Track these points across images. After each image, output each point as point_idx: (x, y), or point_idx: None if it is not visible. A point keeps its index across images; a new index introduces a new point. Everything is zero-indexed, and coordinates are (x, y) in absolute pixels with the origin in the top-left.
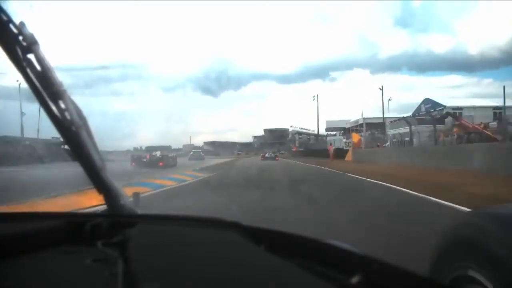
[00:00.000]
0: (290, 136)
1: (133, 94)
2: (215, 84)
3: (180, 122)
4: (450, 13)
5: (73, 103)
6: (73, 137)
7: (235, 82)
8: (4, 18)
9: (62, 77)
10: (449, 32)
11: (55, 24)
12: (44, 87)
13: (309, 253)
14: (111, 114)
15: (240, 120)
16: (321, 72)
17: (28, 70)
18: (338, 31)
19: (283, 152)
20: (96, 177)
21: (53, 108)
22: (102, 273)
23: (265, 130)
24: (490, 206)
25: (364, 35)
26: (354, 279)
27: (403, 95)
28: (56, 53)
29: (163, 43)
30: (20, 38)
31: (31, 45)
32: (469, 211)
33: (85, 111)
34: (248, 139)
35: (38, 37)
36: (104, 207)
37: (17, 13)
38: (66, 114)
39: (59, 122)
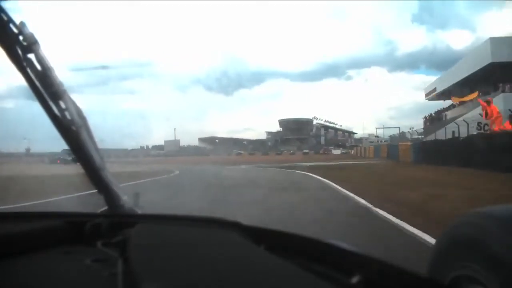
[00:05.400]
0: (314, 130)
1: (145, 93)
2: (228, 83)
3: (194, 121)
4: (469, 7)
5: (73, 103)
6: (73, 137)
7: (250, 81)
8: (4, 17)
9: (75, 76)
10: (468, 28)
11: (73, 24)
12: (45, 87)
13: (309, 253)
14: (123, 113)
15: (255, 119)
16: (337, 70)
17: (29, 70)
18: (354, 28)
19: (306, 151)
20: (96, 177)
21: (54, 108)
22: (102, 273)
23: (281, 122)
24: (491, 206)
25: (381, 32)
26: (354, 279)
27: (420, 94)
28: (70, 52)
29: (177, 41)
30: (21, 38)
31: (31, 44)
32: (469, 211)
33: (96, 110)
34: (263, 137)
35: (54, 36)
36: (104, 207)
37: (28, 11)
38: (67, 114)
39: (59, 122)
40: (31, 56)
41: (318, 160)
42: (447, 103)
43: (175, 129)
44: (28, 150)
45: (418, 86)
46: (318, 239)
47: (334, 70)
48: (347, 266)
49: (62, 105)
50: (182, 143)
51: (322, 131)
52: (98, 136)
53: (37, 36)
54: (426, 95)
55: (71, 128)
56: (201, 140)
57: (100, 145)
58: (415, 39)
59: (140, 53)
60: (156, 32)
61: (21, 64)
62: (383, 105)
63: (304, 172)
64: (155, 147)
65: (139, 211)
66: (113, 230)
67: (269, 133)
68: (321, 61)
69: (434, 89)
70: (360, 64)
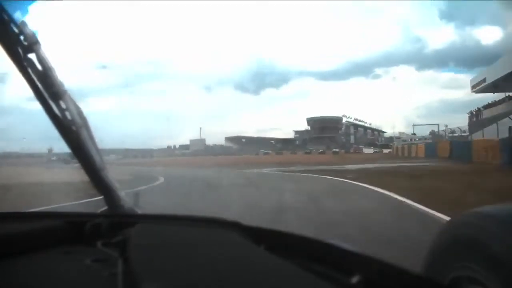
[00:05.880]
0: (343, 128)
1: (172, 93)
2: (255, 82)
3: (220, 120)
4: (499, 3)
5: (73, 103)
6: (74, 137)
7: (277, 80)
8: (5, 17)
9: (103, 77)
10: (499, 24)
11: (99, 23)
12: (45, 87)
13: (309, 253)
14: (150, 113)
15: (282, 118)
16: (364, 69)
17: (29, 70)
18: (382, 26)
19: (336, 150)
20: (96, 177)
21: (54, 108)
22: (102, 273)
23: (309, 120)
24: (490, 205)
25: (409, 29)
26: (354, 279)
27: (449, 92)
28: (94, 52)
29: (204, 41)
30: (21, 37)
31: (32, 44)
32: (468, 211)
33: (123, 111)
34: (290, 136)
35: (76, 36)
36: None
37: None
38: (67, 114)
39: (59, 122)
40: (32, 56)
41: (356, 161)
42: (497, 96)
43: (200, 128)
44: (50, 150)
45: (447, 84)
46: (318, 239)
47: (361, 69)
48: (347, 266)
49: (63, 105)
50: (208, 143)
51: (352, 130)
52: (125, 136)
53: (64, 36)
54: (473, 87)
55: (71, 128)
56: (228, 139)
57: (124, 145)
58: (444, 36)
59: (167, 53)
60: (183, 32)
61: (21, 64)
62: (411, 103)
63: (365, 185)
64: (182, 147)
65: (139, 211)
66: (113, 230)
67: (296, 132)
68: (348, 60)
69: (483, 80)
70: (388, 62)
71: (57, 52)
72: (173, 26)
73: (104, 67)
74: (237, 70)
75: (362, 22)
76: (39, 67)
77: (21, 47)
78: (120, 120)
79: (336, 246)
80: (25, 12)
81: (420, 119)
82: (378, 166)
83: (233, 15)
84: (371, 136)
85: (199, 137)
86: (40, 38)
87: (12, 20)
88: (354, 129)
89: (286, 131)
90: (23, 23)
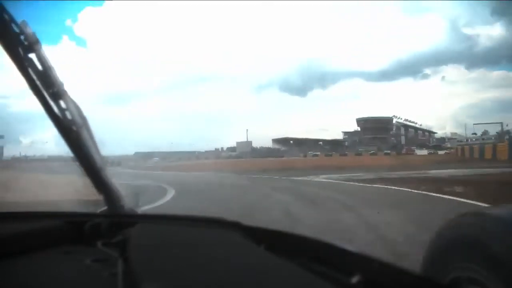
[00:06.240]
0: (394, 129)
1: (220, 95)
2: (303, 84)
3: (267, 122)
4: None
5: (73, 102)
6: (74, 137)
7: (324, 81)
8: (6, 17)
9: (150, 80)
10: None
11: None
12: (45, 86)
13: (309, 253)
14: (198, 115)
15: (330, 119)
16: (413, 69)
17: (30, 70)
18: (430, 25)
19: (388, 151)
20: (96, 177)
21: (54, 107)
22: (102, 273)
23: (360, 121)
24: (490, 206)
25: (458, 27)
26: (354, 279)
27: (502, 91)
28: (140, 52)
29: (251, 43)
30: (22, 37)
31: (32, 44)
32: (469, 211)
33: (170, 113)
34: (339, 137)
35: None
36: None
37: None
38: (67, 113)
39: (60, 121)
40: (32, 55)
41: (422, 165)
42: None
43: (247, 130)
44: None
45: (499, 83)
46: (318, 239)
47: (410, 69)
48: (347, 266)
49: (63, 105)
50: (254, 145)
51: (402, 131)
52: (172, 138)
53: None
54: None
55: (71, 128)
56: (275, 141)
57: (169, 148)
58: (495, 33)
59: (214, 56)
60: (230, 35)
61: (22, 63)
62: (461, 103)
63: None
64: (229, 149)
65: (139, 211)
66: (113, 230)
67: (345, 133)
68: (396, 60)
69: None
70: (436, 62)
71: (102, 55)
72: (220, 29)
73: (149, 69)
74: (284, 72)
75: (410, 21)
76: (39, 66)
77: (21, 47)
78: (167, 123)
79: (336, 246)
80: (25, 12)
81: (470, 119)
82: (468, 173)
83: (280, 16)
84: (422, 137)
85: (245, 139)
86: (88, 40)
87: (12, 20)
88: (404, 130)
89: (333, 132)
90: (24, 23)
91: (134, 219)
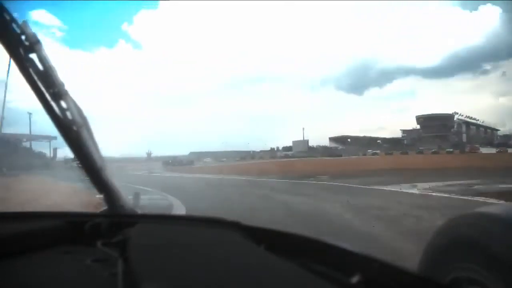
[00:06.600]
0: (455, 126)
1: (275, 95)
2: (359, 82)
3: (323, 121)
4: None
5: (74, 102)
6: (74, 137)
7: (379, 79)
8: (7, 17)
9: (209, 81)
10: None
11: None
12: (46, 86)
13: (309, 253)
14: (253, 115)
15: (388, 117)
16: (471, 64)
17: (30, 70)
18: (488, 17)
19: (450, 150)
20: (96, 177)
21: (55, 107)
22: (102, 273)
23: (419, 118)
24: (490, 206)
25: None
26: (354, 279)
27: None
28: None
29: (305, 42)
30: (23, 37)
31: (33, 44)
32: (469, 211)
33: (228, 113)
34: (397, 135)
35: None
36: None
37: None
38: (68, 113)
39: (60, 121)
40: (33, 56)
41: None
42: None
43: (303, 128)
44: (149, 154)
45: None
46: (318, 239)
47: (468, 64)
48: (347, 266)
49: (64, 105)
50: (311, 143)
51: (464, 128)
52: (227, 138)
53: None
54: None
55: (72, 128)
56: (332, 139)
57: (223, 147)
58: None
59: (269, 55)
60: (285, 34)
61: (23, 63)
62: None
63: None
64: (285, 148)
65: (139, 211)
66: (113, 230)
67: (404, 131)
68: (453, 55)
69: None
70: (496, 56)
71: (158, 57)
72: (275, 29)
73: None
74: (339, 70)
75: (466, 15)
76: (40, 67)
77: (22, 47)
78: (223, 123)
79: (336, 246)
80: (26, 12)
81: None
82: None
83: (334, 15)
84: (484, 135)
85: (301, 138)
86: (143, 43)
87: (13, 20)
88: (466, 127)
89: (391, 130)
90: (25, 23)
91: (134, 219)
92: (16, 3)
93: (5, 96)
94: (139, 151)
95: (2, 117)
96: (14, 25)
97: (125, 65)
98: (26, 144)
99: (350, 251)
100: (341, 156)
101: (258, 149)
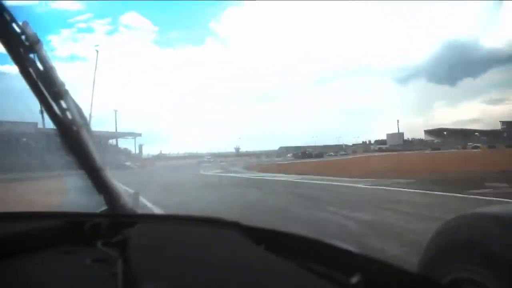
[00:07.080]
0: None
1: (367, 88)
2: (451, 73)
3: (417, 113)
4: None
5: (74, 102)
6: (74, 137)
7: (471, 69)
8: (7, 17)
9: (299, 77)
10: None
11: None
12: (46, 86)
13: (309, 253)
14: (345, 110)
15: (484, 108)
16: None
17: (31, 70)
18: None
19: None
20: (96, 177)
21: (55, 107)
22: (102, 273)
23: None
24: (490, 206)
25: None
26: (354, 279)
27: None
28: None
29: (395, 33)
30: (23, 37)
31: (33, 44)
32: (469, 212)
33: (319, 107)
34: (496, 127)
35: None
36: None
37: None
38: (68, 113)
39: (60, 121)
40: (33, 55)
41: None
42: None
43: (398, 121)
44: (237, 149)
45: None
46: (318, 239)
47: None
48: (347, 266)
49: (63, 104)
50: (406, 136)
51: None
52: (315, 132)
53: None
54: None
55: (72, 128)
56: (427, 132)
57: (314, 142)
58: None
59: (361, 49)
60: (374, 27)
61: (23, 63)
62: None
63: None
64: (378, 142)
65: (139, 211)
66: (113, 230)
67: (503, 122)
68: None
69: None
70: None
71: (246, 55)
72: (367, 23)
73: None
74: (431, 62)
75: None
76: (40, 66)
77: (22, 47)
78: (313, 116)
79: (336, 246)
80: (26, 12)
81: None
82: None
83: (425, 10)
84: None
85: (396, 131)
86: (231, 40)
87: (13, 20)
88: None
89: (487, 123)
90: (25, 23)
91: (134, 219)
92: (17, 3)
93: (92, 96)
94: (227, 147)
95: (91, 116)
96: (14, 25)
97: (213, 62)
98: (112, 141)
99: (350, 251)
100: (439, 149)
101: (349, 143)
